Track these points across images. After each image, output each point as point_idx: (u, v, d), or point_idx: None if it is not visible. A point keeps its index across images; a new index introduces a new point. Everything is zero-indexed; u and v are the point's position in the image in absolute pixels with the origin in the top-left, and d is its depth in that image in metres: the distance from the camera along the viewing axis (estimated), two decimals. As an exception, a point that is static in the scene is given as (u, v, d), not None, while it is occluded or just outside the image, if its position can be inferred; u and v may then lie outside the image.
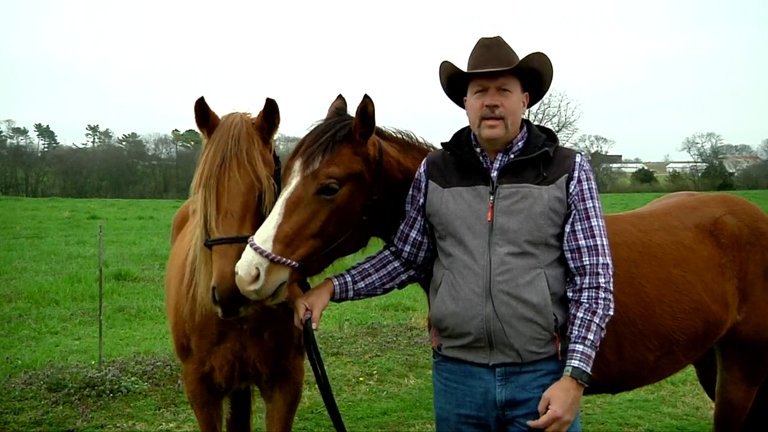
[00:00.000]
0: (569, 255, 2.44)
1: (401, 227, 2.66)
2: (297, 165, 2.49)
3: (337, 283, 2.57)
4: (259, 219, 2.58)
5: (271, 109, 2.75)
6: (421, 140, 2.89)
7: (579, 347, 2.33)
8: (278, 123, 2.79)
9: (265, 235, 2.37)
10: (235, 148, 2.64)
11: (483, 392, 2.43)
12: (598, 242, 2.43)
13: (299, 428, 5.22)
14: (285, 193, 2.46)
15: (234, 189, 2.59)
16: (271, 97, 2.71)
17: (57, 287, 10.65)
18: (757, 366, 3.48)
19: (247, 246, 2.36)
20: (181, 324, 3.14)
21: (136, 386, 5.86)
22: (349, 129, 2.53)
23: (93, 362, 6.57)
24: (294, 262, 2.37)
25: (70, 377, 5.87)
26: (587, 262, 2.41)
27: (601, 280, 2.40)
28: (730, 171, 69.09)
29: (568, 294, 2.43)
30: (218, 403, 3.31)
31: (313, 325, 2.48)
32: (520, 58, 2.51)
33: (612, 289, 2.42)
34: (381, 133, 2.75)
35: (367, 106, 2.49)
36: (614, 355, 3.00)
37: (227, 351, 3.04)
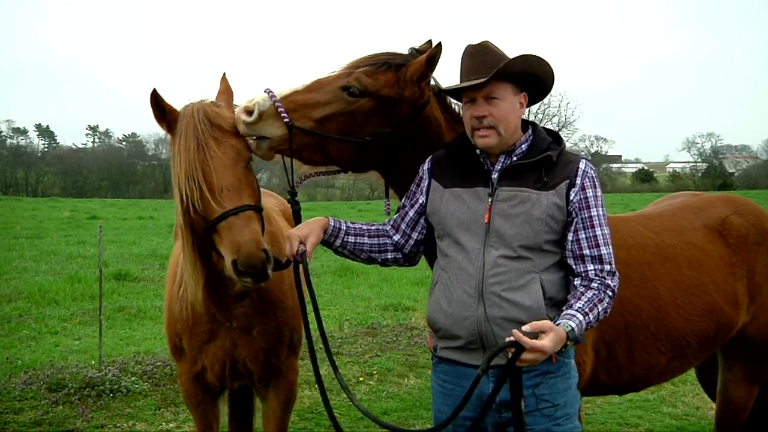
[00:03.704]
0: (572, 262, 2.40)
1: (395, 216, 2.68)
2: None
3: (332, 224, 2.57)
4: (254, 190, 2.57)
5: (225, 82, 2.79)
6: None
7: (580, 316, 2.25)
8: (232, 93, 2.79)
9: (279, 90, 2.52)
10: (208, 128, 2.53)
11: (478, 394, 2.39)
12: (603, 251, 2.39)
13: (299, 428, 5.22)
14: (320, 75, 2.62)
15: (220, 165, 2.49)
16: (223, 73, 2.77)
17: (57, 287, 10.62)
18: (760, 366, 3.48)
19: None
20: (173, 323, 3.16)
21: (136, 386, 5.85)
22: (404, 63, 2.63)
23: (93, 362, 6.56)
24: (288, 119, 2.47)
25: (70, 377, 5.85)
26: (591, 268, 2.37)
27: (611, 282, 2.37)
28: (730, 171, 69.01)
29: (575, 283, 2.38)
30: (214, 403, 3.32)
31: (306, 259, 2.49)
32: (512, 57, 2.44)
33: (614, 296, 2.38)
34: (441, 97, 2.79)
35: (437, 54, 2.59)
36: (626, 358, 2.98)
37: (218, 349, 3.05)
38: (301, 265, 2.52)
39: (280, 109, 2.48)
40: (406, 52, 2.73)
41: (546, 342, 2.11)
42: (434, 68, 2.63)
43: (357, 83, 2.55)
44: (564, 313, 2.28)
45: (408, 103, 2.63)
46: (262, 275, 2.43)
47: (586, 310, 2.28)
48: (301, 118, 2.50)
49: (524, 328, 2.14)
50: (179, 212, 2.62)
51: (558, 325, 2.20)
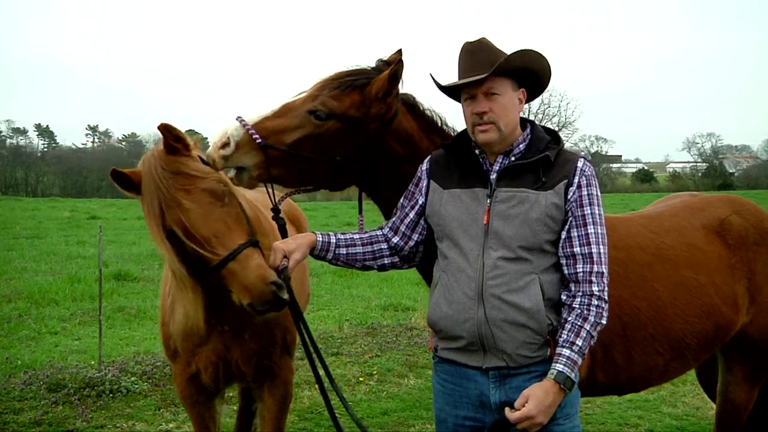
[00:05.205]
0: (564, 261, 2.38)
1: (393, 218, 2.68)
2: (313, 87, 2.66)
3: (320, 239, 2.58)
4: (241, 223, 2.55)
5: (168, 137, 2.54)
6: (450, 126, 2.86)
7: (566, 352, 2.28)
8: (184, 138, 2.59)
9: (248, 117, 2.56)
10: (171, 181, 2.47)
11: (478, 394, 2.42)
12: (594, 250, 2.36)
13: (299, 428, 5.22)
14: (288, 99, 2.64)
15: (198, 216, 2.45)
16: (163, 123, 2.51)
17: (57, 287, 10.64)
18: (760, 367, 3.47)
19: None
20: (166, 326, 3.19)
21: (136, 386, 5.86)
22: (368, 81, 2.63)
23: (93, 362, 6.57)
24: (261, 140, 2.49)
25: (70, 377, 5.86)
26: (581, 270, 2.35)
27: (595, 288, 2.34)
28: (730, 171, 69.10)
29: (562, 298, 2.37)
30: (209, 403, 3.33)
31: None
32: (510, 53, 2.44)
33: (606, 297, 2.36)
34: (412, 106, 2.78)
35: (398, 70, 2.59)
36: (624, 360, 2.97)
37: (210, 352, 3.07)
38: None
39: (253, 135, 2.49)
40: (373, 64, 2.72)
41: (530, 407, 2.21)
42: (397, 84, 2.61)
43: (323, 107, 2.57)
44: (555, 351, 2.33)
45: (375, 120, 2.64)
46: (280, 303, 2.43)
47: (572, 339, 2.29)
48: (273, 144, 2.53)
49: (508, 415, 2.25)
50: (166, 261, 2.57)
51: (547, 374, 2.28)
